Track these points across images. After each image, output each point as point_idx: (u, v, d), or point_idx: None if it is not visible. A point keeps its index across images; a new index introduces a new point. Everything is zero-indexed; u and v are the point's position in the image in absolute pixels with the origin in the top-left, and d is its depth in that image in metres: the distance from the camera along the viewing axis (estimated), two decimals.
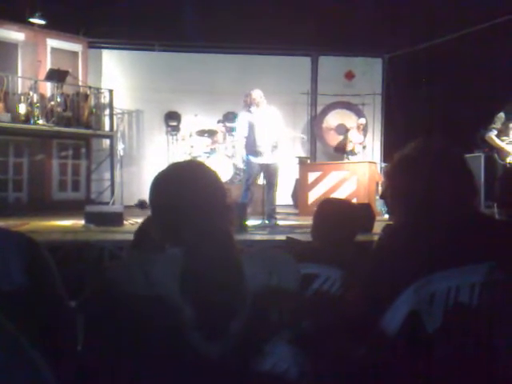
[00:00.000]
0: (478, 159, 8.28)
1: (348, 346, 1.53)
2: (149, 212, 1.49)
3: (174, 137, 12.13)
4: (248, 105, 6.88)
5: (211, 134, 10.63)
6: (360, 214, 2.51)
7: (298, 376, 1.31)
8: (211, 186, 1.41)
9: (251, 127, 6.82)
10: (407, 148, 1.75)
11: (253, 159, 6.88)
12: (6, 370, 1.04)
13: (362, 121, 11.07)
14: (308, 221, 2.57)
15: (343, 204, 2.54)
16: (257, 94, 6.86)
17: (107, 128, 12.04)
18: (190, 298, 1.24)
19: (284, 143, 7.31)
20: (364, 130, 11.23)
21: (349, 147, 10.56)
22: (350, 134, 10.76)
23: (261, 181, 7.50)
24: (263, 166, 6.94)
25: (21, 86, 11.06)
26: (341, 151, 10.78)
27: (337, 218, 2.39)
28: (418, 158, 1.71)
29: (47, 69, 11.39)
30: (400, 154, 1.76)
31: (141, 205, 10.45)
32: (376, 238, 2.07)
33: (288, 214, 9.12)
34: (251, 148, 6.86)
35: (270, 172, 6.99)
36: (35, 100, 10.65)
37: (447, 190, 1.64)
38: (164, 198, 1.41)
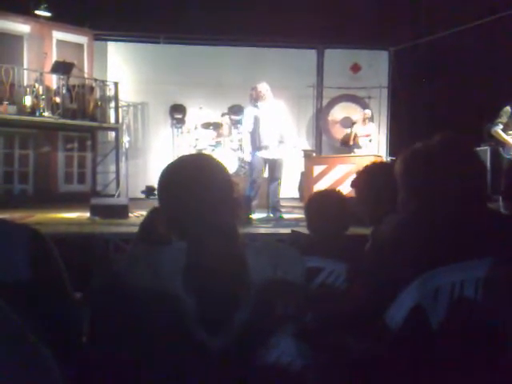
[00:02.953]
0: (484, 153, 8.25)
1: (352, 339, 1.53)
2: (154, 201, 1.49)
3: (179, 129, 12.13)
4: (254, 99, 6.87)
5: (216, 126, 10.62)
6: (350, 205, 2.48)
7: (301, 369, 1.31)
8: (218, 180, 1.41)
9: (256, 122, 6.81)
10: (423, 142, 1.74)
11: (258, 153, 6.88)
12: (11, 361, 1.04)
13: (367, 112, 11.00)
14: None
15: (332, 196, 2.54)
16: (262, 88, 6.84)
17: (113, 120, 12.04)
18: (193, 291, 1.24)
19: (289, 137, 7.29)
20: (370, 120, 11.16)
21: (352, 141, 10.52)
22: (354, 128, 10.72)
23: (266, 174, 7.51)
24: (268, 160, 6.94)
25: (26, 78, 11.07)
26: (346, 145, 10.74)
27: (325, 209, 2.39)
28: (433, 151, 1.70)
29: (53, 61, 11.39)
30: (415, 147, 1.75)
31: (148, 192, 10.43)
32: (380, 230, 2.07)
33: (293, 207, 9.11)
34: (256, 142, 6.86)
35: (274, 166, 6.99)
36: (41, 92, 10.66)
37: (459, 185, 1.64)
38: (171, 191, 1.41)
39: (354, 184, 2.51)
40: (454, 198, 1.63)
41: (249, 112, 7.00)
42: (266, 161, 6.98)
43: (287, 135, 7.11)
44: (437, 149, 1.70)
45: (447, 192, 1.64)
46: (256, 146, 6.87)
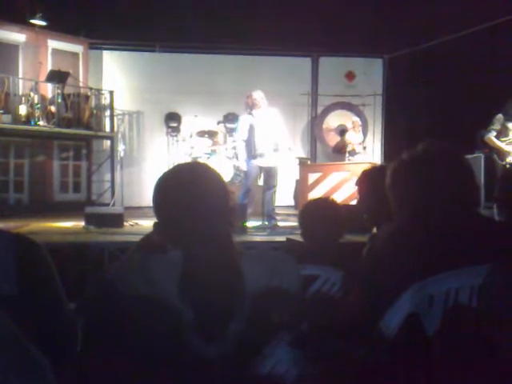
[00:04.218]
0: (478, 160, 8.28)
1: (347, 347, 1.53)
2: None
3: (175, 138, 12.13)
4: (249, 106, 6.87)
5: (211, 135, 10.62)
6: (344, 213, 2.49)
7: (297, 378, 1.31)
8: (214, 188, 1.41)
9: (251, 130, 6.81)
10: (408, 152, 1.75)
11: (252, 161, 6.88)
12: (8, 369, 1.04)
13: (355, 119, 11.04)
14: None
15: (326, 204, 2.54)
16: (257, 95, 6.85)
17: (108, 129, 12.05)
18: (188, 300, 1.24)
19: (284, 145, 7.25)
20: (363, 127, 11.18)
21: (348, 148, 10.55)
22: (347, 136, 10.75)
23: (261, 182, 7.50)
24: (263, 168, 6.94)
25: (22, 87, 11.07)
26: (339, 152, 10.77)
27: (319, 217, 2.40)
28: (420, 160, 1.71)
29: (48, 70, 11.40)
30: (401, 158, 1.76)
31: None
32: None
33: (288, 214, 9.12)
34: (251, 150, 6.86)
35: (269, 174, 6.99)
36: (36, 101, 10.66)
37: (448, 193, 1.65)
38: (166, 199, 1.41)
39: (357, 183, 2.53)
40: (445, 206, 1.63)
41: (243, 120, 7.00)
42: (261, 169, 6.98)
43: (282, 143, 7.09)
44: (421, 158, 1.71)
45: (436, 200, 1.64)
46: (251, 154, 6.86)
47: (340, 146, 10.75)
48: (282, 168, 7.25)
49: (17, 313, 1.19)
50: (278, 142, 6.96)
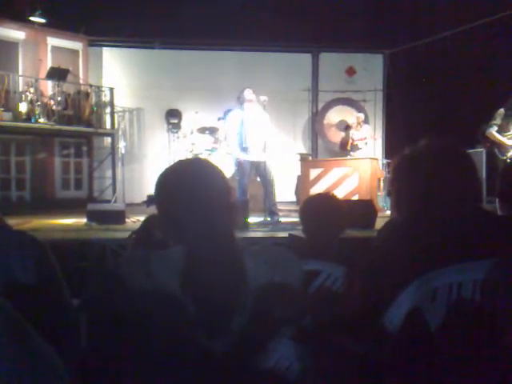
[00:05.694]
0: (479, 155, 8.27)
1: (350, 342, 1.53)
2: (154, 210, 1.49)
3: (175, 134, 12.12)
4: (241, 102, 7.00)
5: (212, 131, 10.62)
6: (345, 208, 2.50)
7: (300, 372, 1.31)
8: (215, 184, 1.41)
9: (241, 124, 6.89)
10: (413, 146, 1.75)
11: (243, 156, 6.90)
12: (20, 358, 1.04)
13: (359, 115, 11.02)
14: None
15: (326, 199, 2.54)
16: (247, 93, 6.98)
17: (108, 126, 12.05)
18: (191, 295, 1.24)
19: (272, 147, 7.23)
20: (365, 122, 11.15)
21: (350, 145, 10.55)
22: (351, 133, 10.74)
23: (257, 178, 7.48)
24: (254, 163, 6.96)
25: (22, 84, 11.06)
26: (343, 148, 10.76)
27: (320, 213, 2.40)
28: (422, 155, 1.71)
29: (48, 67, 11.39)
30: (405, 152, 1.76)
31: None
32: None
33: (290, 210, 9.11)
34: (241, 145, 6.91)
35: (261, 170, 6.99)
36: (36, 98, 10.66)
37: (451, 188, 1.65)
38: (169, 195, 1.41)
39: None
40: (447, 201, 1.63)
41: (235, 114, 7.11)
42: (252, 164, 6.99)
43: (270, 144, 7.10)
44: (423, 153, 1.71)
45: (439, 195, 1.64)
46: (242, 147, 6.91)
47: (345, 142, 10.74)
48: (272, 164, 7.19)
49: (20, 310, 1.19)
50: (266, 141, 7.00)
